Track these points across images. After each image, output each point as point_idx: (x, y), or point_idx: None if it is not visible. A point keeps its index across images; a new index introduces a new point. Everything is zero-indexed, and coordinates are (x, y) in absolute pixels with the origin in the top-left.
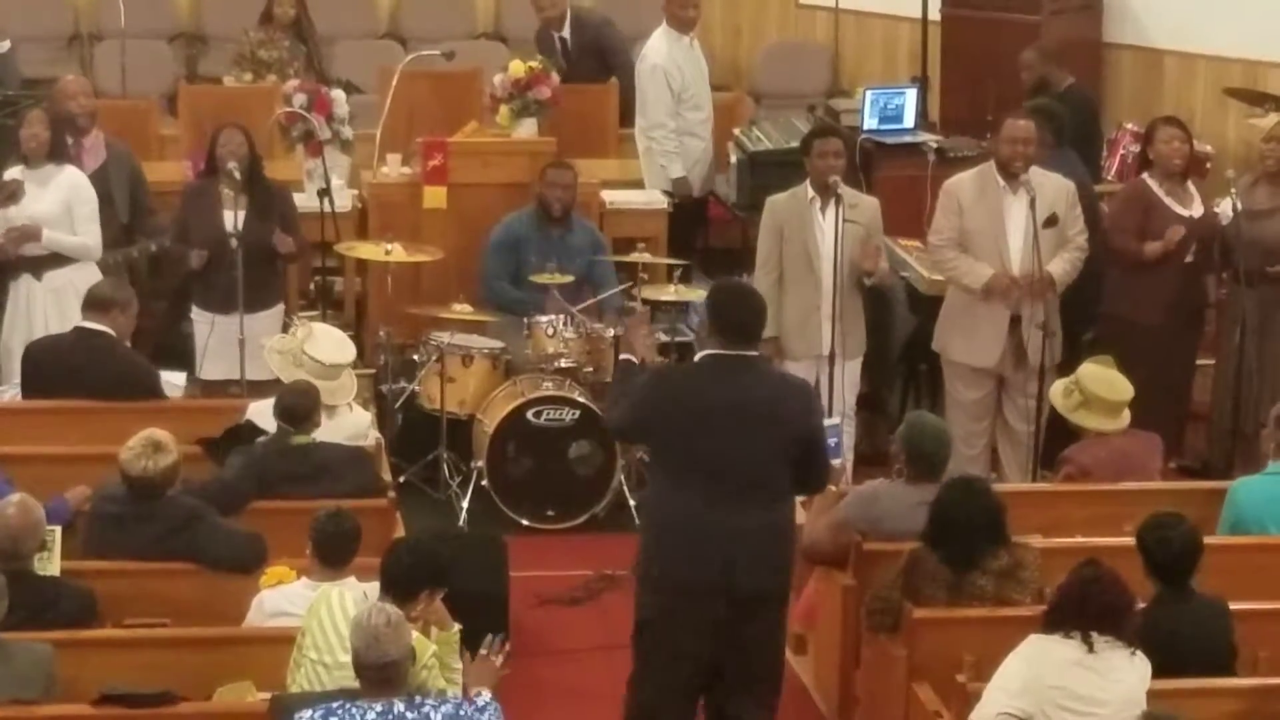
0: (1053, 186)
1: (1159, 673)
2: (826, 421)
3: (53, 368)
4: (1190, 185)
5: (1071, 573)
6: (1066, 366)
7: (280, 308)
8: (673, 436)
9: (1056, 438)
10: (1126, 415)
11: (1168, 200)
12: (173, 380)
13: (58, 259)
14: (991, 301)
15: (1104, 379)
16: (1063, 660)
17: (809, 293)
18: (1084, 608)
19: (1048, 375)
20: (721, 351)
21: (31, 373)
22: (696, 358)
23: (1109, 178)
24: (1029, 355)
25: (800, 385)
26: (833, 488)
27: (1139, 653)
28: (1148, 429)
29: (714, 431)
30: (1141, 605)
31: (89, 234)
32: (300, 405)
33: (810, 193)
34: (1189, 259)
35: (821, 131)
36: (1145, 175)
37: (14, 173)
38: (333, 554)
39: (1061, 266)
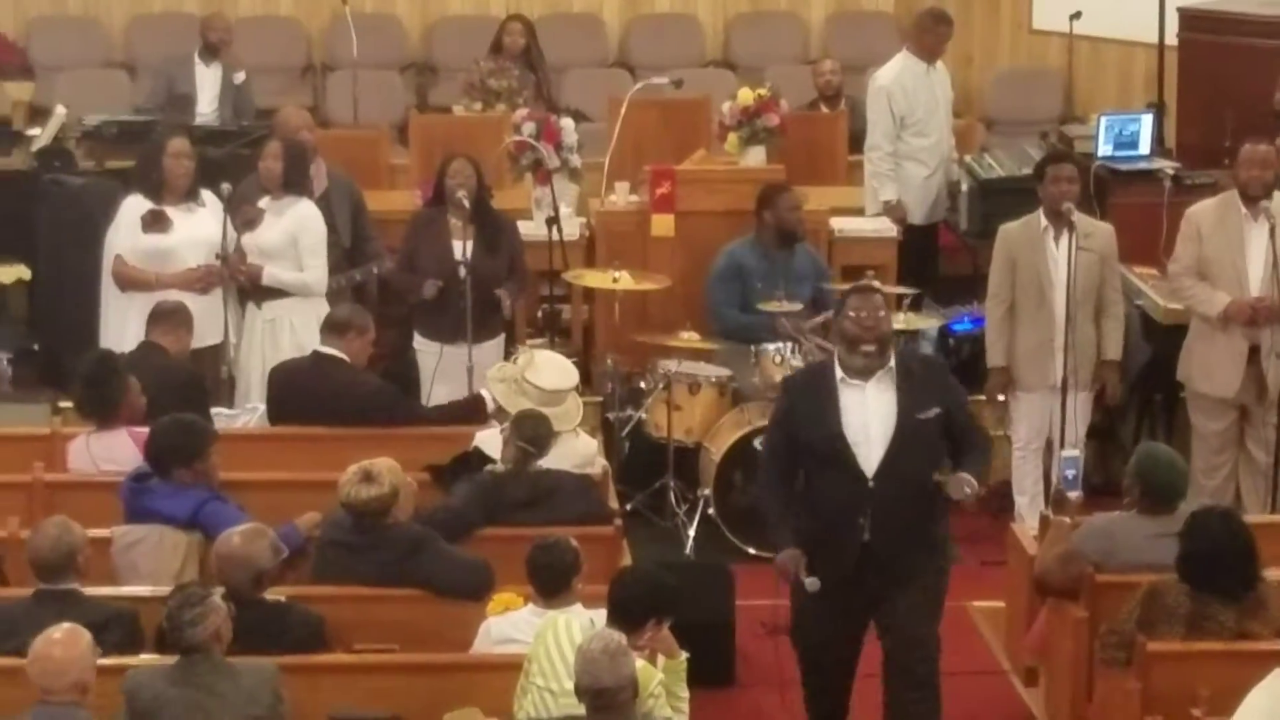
0: None
1: None
2: (1065, 453)
3: (292, 391)
4: None
5: None
6: None
7: (502, 338)
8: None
9: None
10: None
11: None
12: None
13: (275, 290)
14: (1231, 329)
15: None
16: None
17: (1042, 323)
18: None
19: None
20: None
21: (275, 396)
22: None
23: None
24: (1269, 385)
25: None
26: (1065, 519)
27: None
28: None
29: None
30: None
31: (313, 268)
32: (542, 432)
33: (1043, 221)
34: None
35: (1055, 158)
36: None
37: (263, 202)
38: (547, 584)
39: None
